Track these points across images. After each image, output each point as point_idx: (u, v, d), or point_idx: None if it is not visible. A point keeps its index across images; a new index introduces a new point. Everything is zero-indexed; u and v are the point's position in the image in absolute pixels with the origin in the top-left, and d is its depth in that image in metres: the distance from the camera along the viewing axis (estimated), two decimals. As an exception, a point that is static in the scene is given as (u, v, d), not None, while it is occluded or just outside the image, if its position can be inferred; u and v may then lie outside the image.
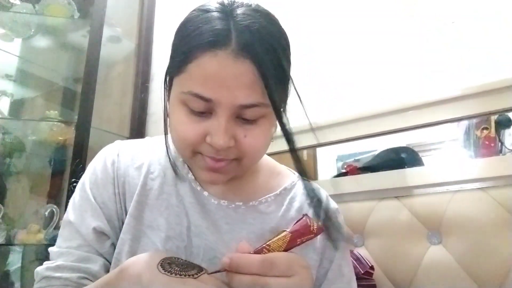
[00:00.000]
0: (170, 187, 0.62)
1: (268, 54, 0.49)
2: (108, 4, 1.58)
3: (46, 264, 0.57)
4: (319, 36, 1.23)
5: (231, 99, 0.49)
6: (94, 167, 0.63)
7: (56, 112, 1.60)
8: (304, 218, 0.47)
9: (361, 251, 0.95)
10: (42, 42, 1.78)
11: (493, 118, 1.02)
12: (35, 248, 1.48)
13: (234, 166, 0.54)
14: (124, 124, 1.71)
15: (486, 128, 1.04)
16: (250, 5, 0.52)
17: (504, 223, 0.80)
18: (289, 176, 0.69)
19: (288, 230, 0.46)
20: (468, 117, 0.97)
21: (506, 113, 0.97)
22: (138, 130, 1.65)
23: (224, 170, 0.54)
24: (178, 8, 1.72)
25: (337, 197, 0.75)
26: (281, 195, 0.65)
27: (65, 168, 1.63)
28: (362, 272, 0.89)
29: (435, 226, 0.88)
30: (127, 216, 0.60)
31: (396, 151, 1.09)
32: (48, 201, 1.63)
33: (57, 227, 1.40)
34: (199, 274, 0.44)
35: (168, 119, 0.57)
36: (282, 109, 0.52)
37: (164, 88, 0.58)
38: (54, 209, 1.42)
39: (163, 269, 0.44)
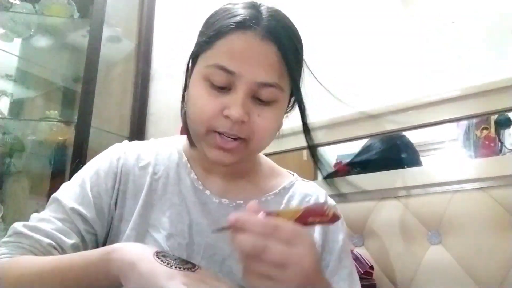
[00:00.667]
0: (173, 186, 0.64)
1: (289, 42, 0.56)
2: (108, 4, 1.58)
3: (24, 222, 0.58)
4: (319, 36, 1.23)
5: (252, 75, 0.53)
6: (99, 159, 0.66)
7: (56, 112, 1.60)
8: (322, 203, 0.46)
9: (361, 251, 0.95)
10: (42, 42, 1.78)
11: (493, 118, 1.02)
12: (35, 248, 1.48)
13: (242, 148, 0.57)
14: (124, 124, 1.70)
15: (486, 128, 1.04)
16: (272, 8, 0.59)
17: (504, 223, 0.80)
18: (288, 177, 0.72)
19: (302, 206, 0.45)
20: (468, 117, 0.97)
21: (506, 113, 0.97)
22: (138, 130, 1.65)
23: (233, 150, 0.56)
24: (178, 8, 1.72)
25: (337, 197, 0.75)
26: (280, 194, 0.67)
27: (65, 168, 1.63)
28: (362, 272, 0.88)
29: (435, 226, 0.88)
30: (135, 214, 0.61)
31: (387, 142, 1.08)
32: (48, 201, 1.63)
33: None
34: (196, 268, 0.45)
35: (187, 100, 0.60)
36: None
37: (186, 71, 0.62)
38: (54, 209, 1.41)
39: (160, 260, 0.44)
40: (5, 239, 0.57)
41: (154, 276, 0.42)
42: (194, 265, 0.46)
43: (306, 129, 0.61)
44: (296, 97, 0.58)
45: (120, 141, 0.71)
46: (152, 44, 1.78)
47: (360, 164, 1.08)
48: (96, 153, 0.68)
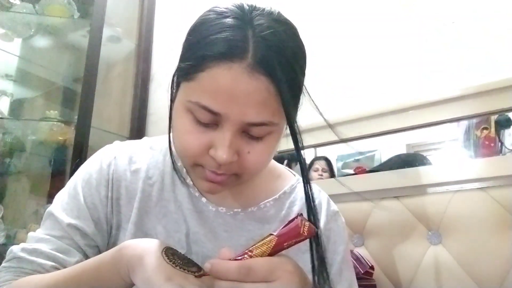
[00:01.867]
0: (168, 193, 0.61)
1: (285, 70, 0.46)
2: (108, 4, 1.58)
3: (22, 245, 0.55)
4: (319, 37, 1.23)
5: (240, 116, 0.46)
6: (90, 167, 0.62)
7: (56, 112, 1.60)
8: (296, 219, 0.44)
9: (361, 251, 0.95)
10: (42, 42, 1.78)
11: (493, 118, 1.02)
12: (35, 248, 1.48)
13: (233, 180, 0.53)
14: (124, 124, 1.71)
15: (486, 128, 1.04)
16: (272, 13, 0.49)
17: (504, 223, 0.80)
18: (289, 178, 0.68)
19: (275, 233, 0.43)
20: (468, 117, 0.97)
21: (506, 113, 0.97)
22: (138, 130, 1.65)
23: (223, 182, 0.52)
24: (178, 8, 1.72)
25: (337, 197, 0.75)
26: (280, 199, 0.64)
27: (65, 168, 1.63)
28: (362, 272, 0.88)
29: (435, 226, 0.88)
30: (129, 223, 0.58)
31: (407, 158, 1.09)
32: (48, 201, 1.63)
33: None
34: (200, 273, 0.45)
35: (171, 125, 0.55)
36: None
37: (171, 88, 0.56)
38: (54, 209, 1.42)
39: (167, 258, 0.44)
40: (5, 264, 0.54)
41: (155, 274, 0.41)
42: (200, 269, 0.45)
43: (299, 154, 0.51)
44: (291, 131, 0.48)
45: (120, 141, 0.68)
46: (152, 44, 1.78)
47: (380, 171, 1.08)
48: (95, 153, 0.67)
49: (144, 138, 0.69)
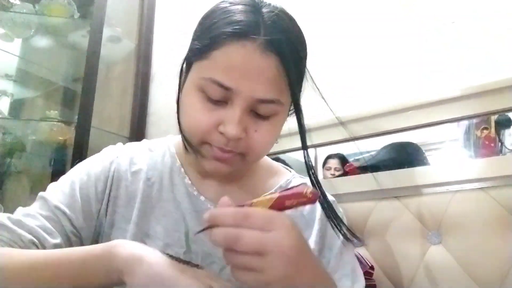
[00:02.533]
0: (167, 193, 0.61)
1: (292, 53, 0.51)
2: (108, 4, 1.58)
3: (9, 214, 0.55)
4: (318, 37, 1.23)
5: (250, 91, 0.49)
6: (92, 161, 0.63)
7: (56, 112, 1.60)
8: (300, 185, 0.45)
9: (361, 251, 0.95)
10: (42, 42, 1.78)
11: (493, 118, 1.02)
12: (35, 248, 1.48)
13: (238, 160, 0.55)
14: (124, 124, 1.70)
15: (486, 128, 1.04)
16: (276, 7, 0.53)
17: (504, 223, 0.80)
18: (285, 174, 0.69)
19: (278, 192, 0.44)
20: (468, 117, 0.97)
21: (506, 113, 0.97)
22: (138, 130, 1.65)
23: (229, 161, 0.54)
24: (178, 8, 1.72)
25: (337, 197, 0.75)
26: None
27: (65, 168, 1.63)
28: (362, 272, 0.88)
29: (435, 226, 0.88)
30: (131, 223, 0.59)
31: (399, 148, 1.08)
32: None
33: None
34: (200, 266, 0.45)
35: (180, 107, 0.56)
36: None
37: (180, 74, 0.58)
38: (54, 209, 1.42)
39: (169, 256, 0.44)
40: None
41: (165, 269, 0.41)
42: (197, 265, 0.46)
43: (303, 139, 0.56)
44: (295, 110, 0.54)
45: (120, 141, 0.69)
46: (152, 44, 1.78)
47: (372, 168, 1.08)
48: (96, 153, 0.67)
49: (144, 141, 0.70)
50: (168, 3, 1.78)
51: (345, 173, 1.16)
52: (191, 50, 0.55)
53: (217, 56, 0.50)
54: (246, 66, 0.49)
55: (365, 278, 0.88)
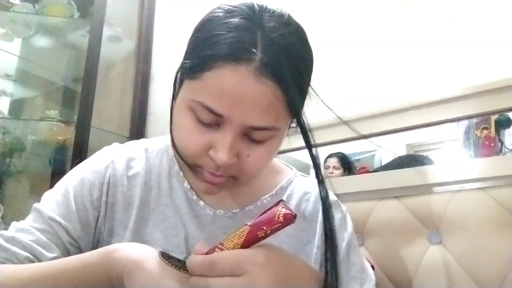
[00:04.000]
0: (166, 198, 0.60)
1: (293, 74, 0.46)
2: (108, 4, 1.58)
3: (2, 231, 0.53)
4: (318, 37, 1.23)
5: (243, 119, 0.46)
6: (85, 167, 0.60)
7: (56, 112, 1.60)
8: (273, 208, 0.42)
9: (361, 251, 0.95)
10: (42, 42, 1.78)
11: (493, 118, 1.02)
12: (35, 248, 1.48)
13: (230, 182, 0.53)
14: (124, 124, 1.70)
15: (486, 128, 1.04)
16: (282, 16, 0.48)
17: (504, 223, 0.80)
18: (287, 173, 0.67)
19: (248, 223, 0.41)
20: (468, 117, 0.97)
21: (506, 113, 0.97)
22: (138, 130, 1.65)
23: (220, 184, 0.52)
24: (178, 8, 1.72)
25: (337, 197, 0.75)
26: (277, 194, 0.63)
27: (65, 168, 1.63)
28: (362, 272, 0.88)
29: (435, 226, 0.88)
30: (128, 230, 0.57)
31: (410, 160, 1.09)
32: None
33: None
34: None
35: (172, 122, 0.54)
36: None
37: (174, 85, 0.54)
38: (54, 209, 1.42)
39: (166, 261, 0.43)
40: None
41: (165, 277, 0.41)
42: None
43: (310, 149, 0.52)
44: (301, 129, 0.48)
45: (120, 141, 0.67)
46: (152, 44, 1.77)
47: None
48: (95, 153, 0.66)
49: (141, 140, 0.68)
50: (168, 3, 1.78)
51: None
52: (182, 65, 0.51)
53: (208, 78, 0.45)
54: (238, 93, 0.44)
55: (365, 278, 0.89)
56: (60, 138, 1.57)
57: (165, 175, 0.61)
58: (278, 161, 0.70)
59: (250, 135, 0.48)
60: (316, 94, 0.54)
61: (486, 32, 0.96)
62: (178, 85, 0.53)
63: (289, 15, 0.50)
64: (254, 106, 0.45)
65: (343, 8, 1.22)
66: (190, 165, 0.53)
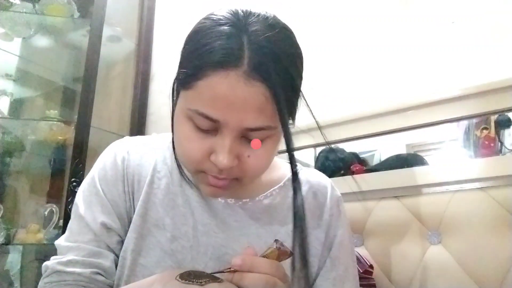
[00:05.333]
0: (176, 187, 0.62)
1: (281, 76, 0.47)
2: (108, 4, 1.58)
3: (55, 258, 0.56)
4: (318, 37, 1.23)
5: (238, 122, 0.48)
6: (104, 163, 0.63)
7: (56, 111, 1.60)
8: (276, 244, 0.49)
9: (361, 251, 0.95)
10: (42, 41, 1.78)
11: (493, 118, 1.02)
12: (35, 247, 1.48)
13: (234, 184, 0.55)
14: (124, 124, 1.71)
15: (486, 128, 1.04)
16: (267, 18, 0.50)
17: (504, 223, 0.80)
18: (286, 166, 0.71)
19: (274, 247, 0.49)
20: (468, 117, 0.97)
21: (506, 113, 0.97)
22: (138, 130, 1.65)
23: (225, 186, 0.54)
24: (178, 8, 1.72)
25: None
26: (285, 186, 0.67)
27: (65, 168, 1.63)
28: (362, 271, 0.88)
29: (435, 226, 0.88)
30: (134, 215, 0.60)
31: (405, 159, 1.09)
32: (47, 201, 1.63)
33: (56, 227, 1.41)
34: (206, 282, 0.44)
35: (174, 133, 0.56)
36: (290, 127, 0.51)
37: (172, 95, 0.57)
38: (53, 209, 1.42)
39: (180, 278, 0.44)
40: (46, 279, 0.55)
41: None
42: (214, 279, 0.46)
43: (291, 154, 0.53)
44: (284, 135, 0.49)
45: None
46: (152, 44, 1.78)
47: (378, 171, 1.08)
48: (96, 152, 0.67)
49: (153, 134, 0.71)
50: (168, 3, 1.79)
51: (351, 173, 1.16)
52: (178, 76, 0.54)
53: (201, 87, 0.47)
54: (230, 97, 0.46)
55: (365, 277, 0.89)
56: (60, 138, 1.57)
57: (176, 166, 0.64)
58: (277, 158, 0.72)
59: (248, 136, 0.50)
60: (304, 97, 0.55)
61: (486, 32, 0.96)
62: (175, 96, 0.56)
63: (274, 17, 0.51)
64: (247, 108, 0.47)
65: (344, 9, 1.22)
66: (193, 172, 0.55)
